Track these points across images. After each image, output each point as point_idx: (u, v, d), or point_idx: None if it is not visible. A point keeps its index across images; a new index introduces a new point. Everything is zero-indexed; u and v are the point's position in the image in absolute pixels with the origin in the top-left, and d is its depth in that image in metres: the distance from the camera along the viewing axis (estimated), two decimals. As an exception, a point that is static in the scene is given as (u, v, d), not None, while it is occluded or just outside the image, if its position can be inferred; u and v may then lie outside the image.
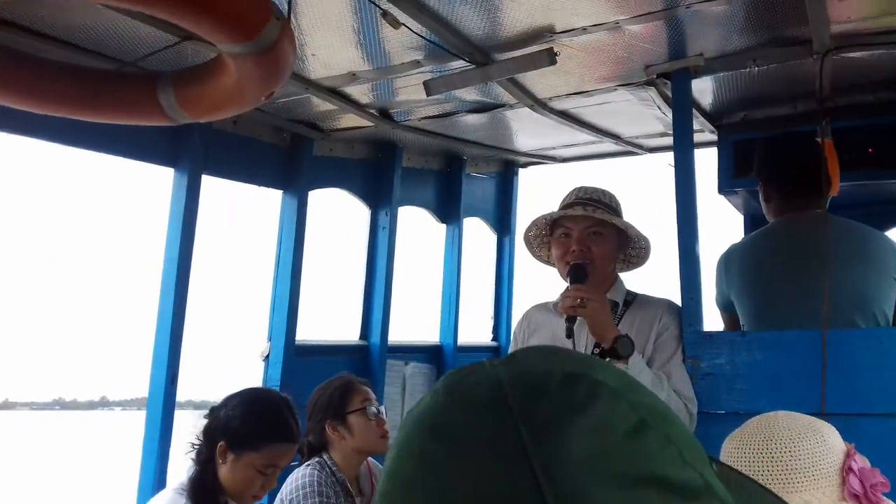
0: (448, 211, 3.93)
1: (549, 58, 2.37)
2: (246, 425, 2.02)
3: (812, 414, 2.22)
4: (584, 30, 2.30)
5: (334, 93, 2.80)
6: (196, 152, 2.74)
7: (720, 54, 2.55)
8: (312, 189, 3.25)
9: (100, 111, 2.01)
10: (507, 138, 3.75)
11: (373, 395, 2.56)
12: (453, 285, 3.87)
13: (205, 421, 2.09)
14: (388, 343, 3.46)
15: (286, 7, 1.87)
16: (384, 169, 3.57)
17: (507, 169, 4.26)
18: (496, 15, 2.23)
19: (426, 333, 3.93)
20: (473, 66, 2.50)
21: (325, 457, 2.46)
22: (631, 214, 2.59)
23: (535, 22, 2.28)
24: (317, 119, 3.17)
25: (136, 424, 2.93)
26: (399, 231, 3.57)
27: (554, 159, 4.20)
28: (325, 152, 3.34)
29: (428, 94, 2.61)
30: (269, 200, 3.19)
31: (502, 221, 4.26)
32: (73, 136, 2.48)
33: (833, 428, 1.33)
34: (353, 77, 2.65)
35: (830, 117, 2.88)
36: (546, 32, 2.34)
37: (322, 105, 2.92)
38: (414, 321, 4.09)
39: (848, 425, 2.20)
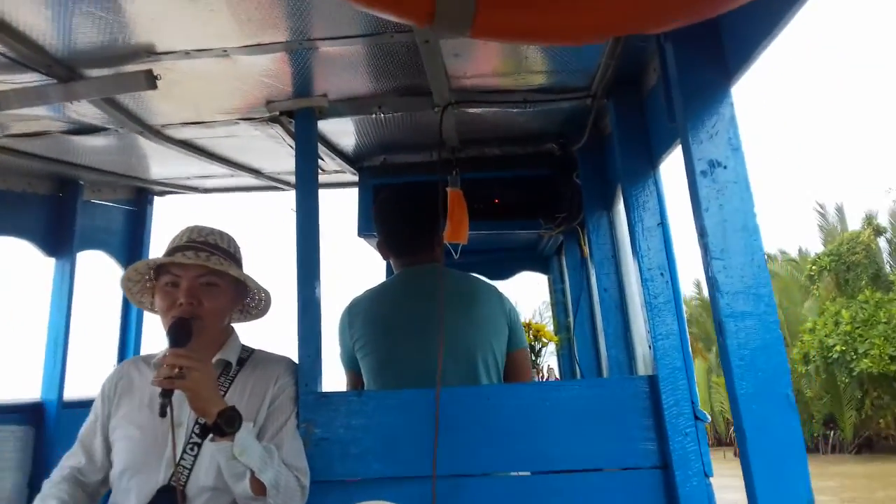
0: (58, 243, 3.33)
1: (149, 80, 2.05)
2: None
3: (421, 477, 2.17)
4: (186, 54, 2.00)
5: None
6: None
7: (345, 97, 2.42)
8: None
9: None
10: (134, 165, 3.30)
11: None
12: (60, 330, 3.26)
13: None
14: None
15: None
16: (-38, 192, 2.90)
17: (139, 197, 3.78)
18: (79, 24, 1.84)
19: (27, 389, 3.28)
20: (55, 81, 2.08)
21: None
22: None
23: (129, 38, 1.93)
24: None
25: None
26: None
27: (196, 189, 3.83)
28: None
29: (-5, 109, 2.12)
30: None
31: (132, 255, 3.75)
32: None
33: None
34: None
35: (461, 168, 2.94)
36: (144, 52, 2.00)
37: None
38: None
39: (455, 487, 2.18)
